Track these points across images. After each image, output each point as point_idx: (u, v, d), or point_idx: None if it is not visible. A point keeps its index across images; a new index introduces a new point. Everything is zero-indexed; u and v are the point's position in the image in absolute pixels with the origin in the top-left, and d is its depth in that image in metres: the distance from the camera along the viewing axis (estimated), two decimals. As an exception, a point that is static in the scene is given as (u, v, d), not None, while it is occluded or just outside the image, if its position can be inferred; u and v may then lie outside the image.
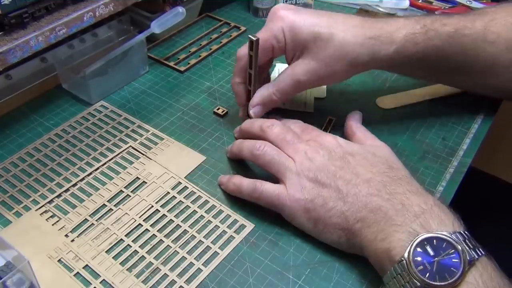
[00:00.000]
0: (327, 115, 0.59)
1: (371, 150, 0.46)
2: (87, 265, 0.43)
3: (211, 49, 0.70)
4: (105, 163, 0.52)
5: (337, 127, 0.57)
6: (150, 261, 0.44)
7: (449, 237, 0.36)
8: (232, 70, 0.66)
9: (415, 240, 0.37)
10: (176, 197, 0.49)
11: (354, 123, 0.52)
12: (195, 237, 0.46)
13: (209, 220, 0.47)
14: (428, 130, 0.58)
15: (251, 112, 0.53)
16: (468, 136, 0.57)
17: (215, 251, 0.44)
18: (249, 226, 0.47)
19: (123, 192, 0.49)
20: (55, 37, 0.51)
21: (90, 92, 0.59)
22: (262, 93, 0.52)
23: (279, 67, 0.66)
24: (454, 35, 0.51)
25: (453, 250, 0.36)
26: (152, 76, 0.65)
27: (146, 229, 0.46)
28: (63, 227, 0.46)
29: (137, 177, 0.51)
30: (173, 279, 0.42)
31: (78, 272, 0.43)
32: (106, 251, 0.44)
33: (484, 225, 0.74)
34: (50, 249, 0.44)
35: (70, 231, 0.46)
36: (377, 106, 0.61)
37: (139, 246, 0.45)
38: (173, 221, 0.47)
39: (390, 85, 0.64)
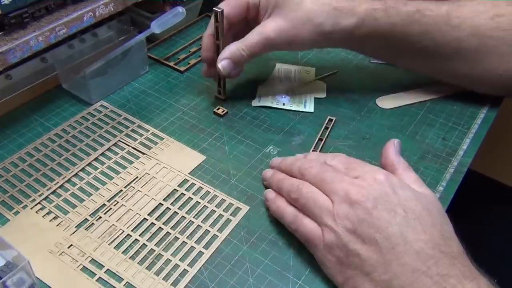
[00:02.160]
0: (327, 115, 0.59)
1: (425, 204, 0.39)
2: (89, 256, 0.43)
3: (211, 49, 0.70)
4: (105, 163, 0.52)
5: (338, 127, 0.58)
6: (151, 248, 0.44)
7: None
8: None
9: None
10: (178, 190, 0.49)
11: (394, 154, 0.44)
12: (193, 222, 0.46)
13: (213, 209, 0.48)
14: (428, 130, 0.58)
15: (220, 65, 0.54)
16: (468, 136, 0.57)
17: (214, 234, 0.46)
18: (244, 208, 0.48)
19: (123, 191, 0.50)
20: (55, 37, 0.51)
21: (90, 92, 0.59)
22: (230, 48, 0.54)
23: (279, 67, 0.66)
24: (414, 14, 0.52)
25: None
26: (152, 76, 0.65)
27: (144, 218, 0.47)
28: (63, 224, 0.46)
29: (137, 177, 0.51)
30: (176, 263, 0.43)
31: (81, 264, 0.43)
32: (107, 243, 0.45)
33: (483, 228, 0.74)
34: (50, 244, 0.44)
35: (69, 227, 0.46)
36: (377, 106, 0.61)
37: (139, 235, 0.45)
38: (177, 213, 0.47)
39: (390, 85, 0.64)
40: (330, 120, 0.58)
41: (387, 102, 0.61)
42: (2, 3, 0.46)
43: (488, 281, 0.36)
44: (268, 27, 0.53)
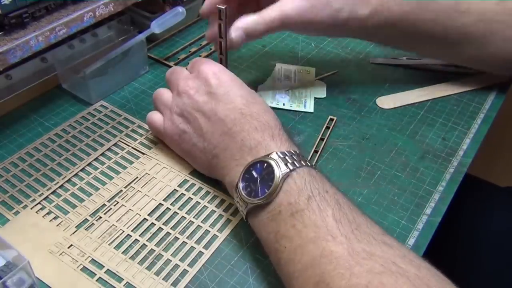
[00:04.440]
0: (327, 115, 0.59)
1: (240, 85, 0.47)
2: (89, 256, 0.43)
3: (211, 49, 0.70)
4: (105, 163, 0.52)
5: (338, 127, 0.58)
6: (152, 248, 0.44)
7: (268, 157, 0.40)
8: (231, 69, 0.66)
9: (244, 168, 0.41)
10: (178, 190, 0.49)
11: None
12: (193, 222, 0.46)
13: (213, 209, 0.48)
14: (428, 130, 0.58)
15: (233, 35, 0.52)
16: (468, 136, 0.57)
17: (214, 234, 0.46)
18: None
19: (123, 191, 0.50)
20: (55, 37, 0.51)
21: (90, 92, 0.59)
22: (246, 20, 0.52)
23: (279, 67, 0.66)
24: (424, 2, 0.54)
25: (272, 168, 0.39)
26: (152, 76, 0.65)
27: (144, 218, 0.47)
28: (63, 224, 0.46)
29: (137, 177, 0.51)
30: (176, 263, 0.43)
31: (81, 264, 0.43)
32: (107, 243, 0.45)
33: (481, 229, 0.74)
34: (50, 244, 0.44)
35: (69, 227, 0.46)
36: (377, 106, 0.61)
37: (140, 235, 0.45)
38: (177, 213, 0.47)
39: (390, 85, 0.64)
40: (331, 119, 0.58)
41: (387, 102, 0.61)
42: (2, 3, 0.46)
43: (279, 130, 0.44)
44: (288, 5, 0.52)
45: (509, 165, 1.03)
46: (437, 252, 0.51)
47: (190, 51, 0.69)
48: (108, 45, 0.63)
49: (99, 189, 0.50)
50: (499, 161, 1.03)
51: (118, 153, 0.54)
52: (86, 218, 0.47)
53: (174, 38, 0.72)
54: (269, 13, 0.52)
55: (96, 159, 0.53)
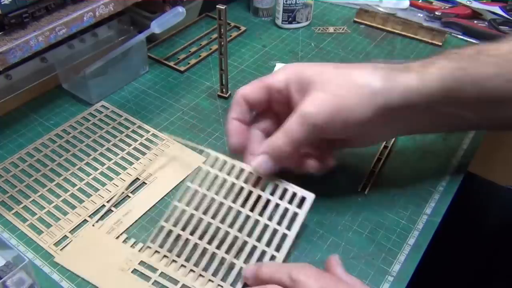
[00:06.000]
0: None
1: None
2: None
3: (211, 49, 0.70)
4: (105, 164, 0.52)
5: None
6: (156, 250, 0.44)
7: None
8: (231, 69, 0.66)
9: None
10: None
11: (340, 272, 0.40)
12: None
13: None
14: (428, 130, 0.58)
15: (255, 163, 0.43)
16: (468, 136, 0.57)
17: (283, 233, 0.45)
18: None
19: (123, 193, 0.49)
20: (55, 37, 0.51)
21: (90, 92, 0.59)
22: (269, 140, 0.43)
23: (279, 67, 0.66)
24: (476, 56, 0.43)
25: None
26: (152, 76, 0.65)
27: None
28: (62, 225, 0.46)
29: (137, 178, 0.51)
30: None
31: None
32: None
33: (484, 228, 0.74)
34: (49, 244, 0.44)
35: (69, 231, 0.46)
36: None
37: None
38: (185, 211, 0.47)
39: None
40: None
41: None
42: (2, 3, 0.46)
43: None
44: (304, 103, 0.41)
45: (509, 166, 1.03)
46: (437, 252, 0.51)
47: (190, 51, 0.69)
48: (108, 45, 0.63)
49: (98, 189, 0.50)
50: (499, 161, 1.03)
51: (119, 154, 0.54)
52: (85, 219, 0.47)
53: (174, 38, 0.72)
54: (289, 123, 0.42)
55: (96, 160, 0.53)
